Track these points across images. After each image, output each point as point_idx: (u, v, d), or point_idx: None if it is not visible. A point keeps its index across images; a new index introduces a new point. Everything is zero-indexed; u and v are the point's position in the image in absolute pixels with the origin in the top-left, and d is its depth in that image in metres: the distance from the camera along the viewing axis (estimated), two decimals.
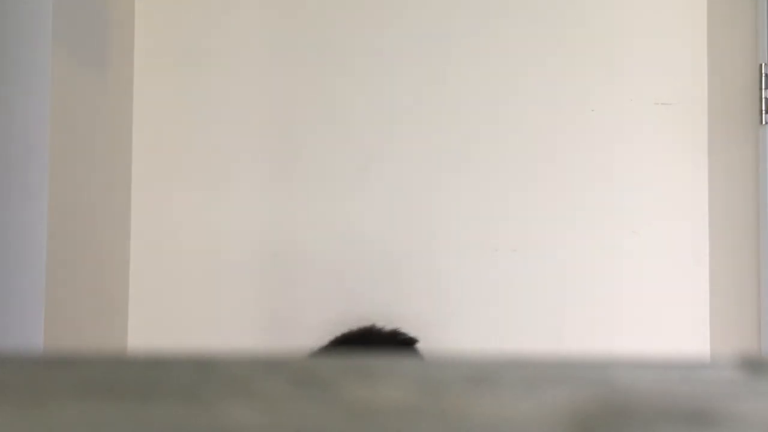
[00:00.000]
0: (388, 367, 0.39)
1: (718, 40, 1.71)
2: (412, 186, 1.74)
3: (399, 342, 1.55)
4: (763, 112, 1.64)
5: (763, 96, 1.64)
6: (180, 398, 0.35)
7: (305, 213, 1.74)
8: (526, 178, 1.73)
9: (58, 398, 0.35)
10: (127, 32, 1.72)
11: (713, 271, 1.69)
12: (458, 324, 1.70)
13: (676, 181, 1.72)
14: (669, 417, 0.32)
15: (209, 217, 1.75)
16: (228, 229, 1.74)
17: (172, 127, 1.77)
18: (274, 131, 1.77)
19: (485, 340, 1.67)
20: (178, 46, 1.77)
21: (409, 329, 1.63)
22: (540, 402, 0.34)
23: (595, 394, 0.34)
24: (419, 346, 1.57)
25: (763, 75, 1.65)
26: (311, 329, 1.70)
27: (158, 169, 1.75)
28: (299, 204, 1.74)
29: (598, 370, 0.39)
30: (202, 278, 1.74)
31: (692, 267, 1.70)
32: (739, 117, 1.69)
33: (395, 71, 1.75)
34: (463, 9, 1.75)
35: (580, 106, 1.73)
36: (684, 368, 0.40)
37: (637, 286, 1.71)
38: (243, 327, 1.72)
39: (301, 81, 1.76)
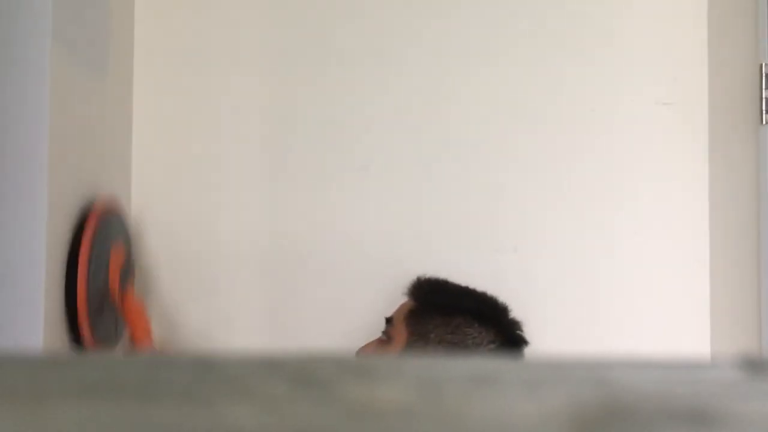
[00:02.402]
0: (388, 367, 0.39)
1: (719, 40, 1.71)
2: (412, 186, 1.74)
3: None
4: (764, 111, 1.64)
5: (764, 96, 1.64)
6: (180, 398, 0.35)
7: (305, 213, 1.74)
8: (525, 178, 1.73)
9: (58, 398, 0.35)
10: (127, 32, 1.72)
11: (714, 271, 1.69)
12: None
13: (677, 180, 1.72)
14: (670, 417, 0.32)
15: (209, 218, 1.75)
16: (228, 229, 1.74)
17: (172, 128, 1.77)
18: (274, 132, 1.77)
19: None
20: (178, 46, 1.77)
21: None
22: (540, 402, 0.34)
23: (595, 395, 0.34)
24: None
25: (764, 74, 1.65)
26: (311, 329, 1.70)
27: (158, 170, 1.75)
28: (299, 204, 1.74)
29: (598, 371, 0.39)
30: (201, 278, 1.74)
31: (692, 267, 1.69)
32: (739, 117, 1.69)
33: (395, 71, 1.75)
34: (463, 8, 1.75)
35: (580, 106, 1.73)
36: (684, 368, 0.40)
37: (637, 286, 1.71)
38: (243, 327, 1.72)
39: (301, 82, 1.76)
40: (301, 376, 0.37)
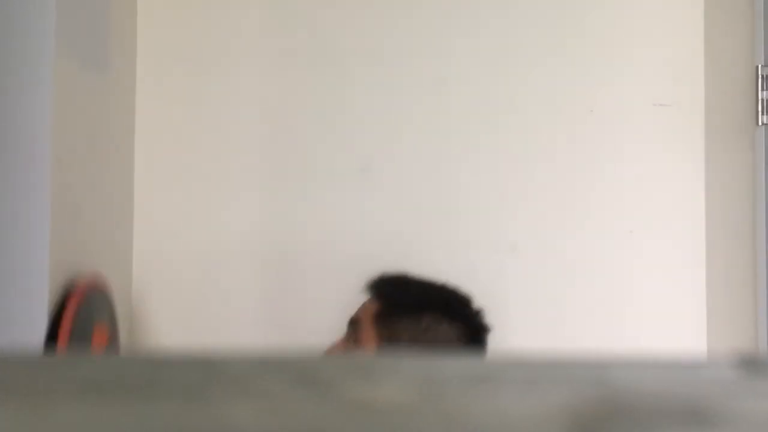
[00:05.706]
0: (389, 366, 0.39)
1: (715, 42, 1.71)
2: (412, 187, 1.74)
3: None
4: (760, 113, 1.64)
5: (760, 97, 1.65)
6: (180, 398, 0.35)
7: (307, 213, 1.74)
8: (524, 178, 1.73)
9: (58, 398, 0.35)
10: (129, 34, 1.72)
11: (710, 271, 1.69)
12: None
13: (673, 181, 1.72)
14: (667, 416, 0.32)
15: (211, 218, 1.75)
16: (230, 229, 1.75)
17: (175, 128, 1.77)
18: (276, 132, 1.77)
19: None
20: (180, 47, 1.77)
21: None
22: (540, 402, 0.34)
23: (594, 394, 0.35)
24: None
25: (760, 76, 1.65)
26: (312, 329, 1.70)
27: (161, 170, 1.75)
28: (301, 204, 1.75)
29: (597, 370, 0.39)
30: (202, 278, 1.74)
31: (689, 267, 1.70)
32: (735, 118, 1.69)
33: (396, 72, 1.75)
34: (463, 9, 1.75)
35: (579, 107, 1.73)
36: (682, 368, 0.40)
37: (634, 286, 1.71)
38: (243, 327, 1.72)
39: (303, 81, 1.76)
40: (301, 375, 0.37)
